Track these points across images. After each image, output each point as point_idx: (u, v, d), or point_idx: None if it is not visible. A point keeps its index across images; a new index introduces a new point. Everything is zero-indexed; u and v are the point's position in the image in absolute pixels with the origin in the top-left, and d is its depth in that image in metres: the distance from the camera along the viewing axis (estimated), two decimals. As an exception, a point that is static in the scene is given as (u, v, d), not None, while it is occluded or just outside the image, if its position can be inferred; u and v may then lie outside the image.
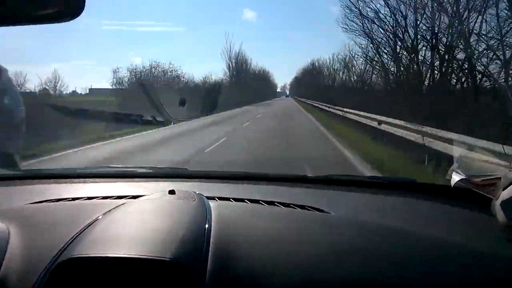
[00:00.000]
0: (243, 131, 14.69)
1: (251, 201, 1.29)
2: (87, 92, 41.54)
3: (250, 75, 55.77)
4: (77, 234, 0.92)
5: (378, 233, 1.07)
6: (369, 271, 0.87)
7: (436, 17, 12.75)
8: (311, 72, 46.10)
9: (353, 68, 25.72)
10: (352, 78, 26.27)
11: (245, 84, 48.11)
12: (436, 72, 12.97)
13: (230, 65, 49.27)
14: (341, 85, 29.35)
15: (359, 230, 1.08)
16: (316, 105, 32.43)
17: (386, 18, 15.27)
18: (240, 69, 50.44)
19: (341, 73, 31.33)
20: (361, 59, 21.40)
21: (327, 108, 25.18)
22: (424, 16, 13.70)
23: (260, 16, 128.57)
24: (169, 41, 79.25)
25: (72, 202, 1.32)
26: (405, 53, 14.93)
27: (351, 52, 24.44)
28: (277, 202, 1.27)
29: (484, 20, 11.08)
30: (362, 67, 22.91)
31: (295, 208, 1.24)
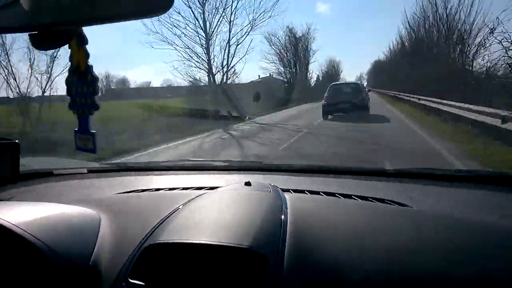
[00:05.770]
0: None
1: (327, 193, 1.26)
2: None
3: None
4: (161, 222, 0.97)
5: (463, 228, 1.00)
6: (454, 267, 0.81)
7: None
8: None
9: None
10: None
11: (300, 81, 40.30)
12: None
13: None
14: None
15: (442, 225, 1.02)
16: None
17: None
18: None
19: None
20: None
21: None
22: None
23: (332, 8, 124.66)
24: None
25: (156, 192, 1.39)
26: None
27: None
28: (354, 195, 1.23)
29: None
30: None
31: (374, 202, 1.19)
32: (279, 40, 38.57)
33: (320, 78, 63.21)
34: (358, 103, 14.83)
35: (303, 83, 39.53)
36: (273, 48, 38.97)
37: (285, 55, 38.88)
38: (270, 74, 38.59)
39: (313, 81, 49.49)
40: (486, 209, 1.29)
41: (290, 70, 39.26)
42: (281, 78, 39.13)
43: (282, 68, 38.82)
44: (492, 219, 1.12)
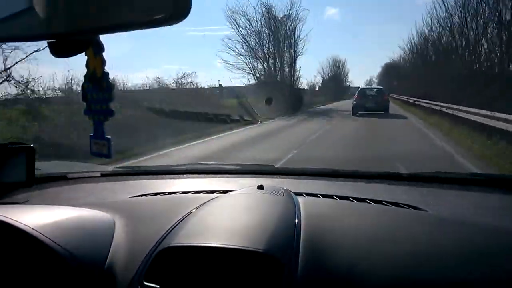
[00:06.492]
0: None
1: (340, 197, 1.25)
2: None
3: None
4: (175, 225, 0.97)
5: (479, 233, 0.99)
6: (469, 272, 0.80)
7: None
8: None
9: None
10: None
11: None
12: None
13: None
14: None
15: (457, 229, 1.01)
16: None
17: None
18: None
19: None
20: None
21: None
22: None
23: (342, 12, 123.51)
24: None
25: (169, 196, 1.40)
26: None
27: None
28: (368, 199, 1.22)
29: None
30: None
31: (387, 206, 1.18)
32: (250, 23, 26.68)
33: (325, 78, 54.16)
34: (381, 105, 18.79)
35: (287, 83, 27.45)
36: (238, 33, 26.69)
37: (258, 42, 26.94)
38: (272, 77, 27.86)
39: (300, 82, 32.81)
40: (501, 212, 1.27)
41: (266, 65, 26.82)
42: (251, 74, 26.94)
43: (250, 60, 26.74)
44: (508, 222, 1.11)
